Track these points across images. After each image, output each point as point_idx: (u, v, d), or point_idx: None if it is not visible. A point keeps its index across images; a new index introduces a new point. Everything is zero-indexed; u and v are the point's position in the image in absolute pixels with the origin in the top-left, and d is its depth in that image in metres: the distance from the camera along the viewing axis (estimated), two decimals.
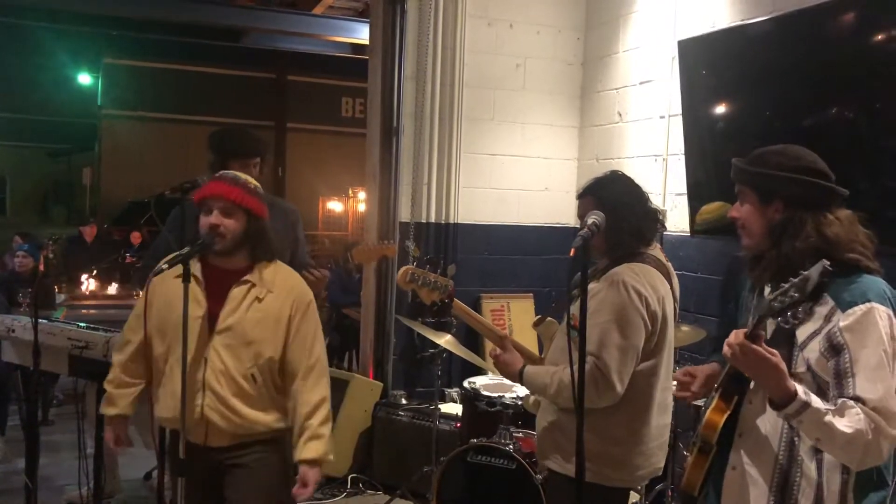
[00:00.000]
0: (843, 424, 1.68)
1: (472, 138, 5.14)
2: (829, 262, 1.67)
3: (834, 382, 1.76)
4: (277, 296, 2.51)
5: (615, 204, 2.40)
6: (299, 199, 14.54)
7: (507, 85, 5.24)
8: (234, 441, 2.51)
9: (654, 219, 2.50)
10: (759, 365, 1.72)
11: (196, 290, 2.48)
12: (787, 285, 1.68)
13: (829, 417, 1.68)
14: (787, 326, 1.75)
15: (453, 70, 4.96)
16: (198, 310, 2.47)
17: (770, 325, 1.87)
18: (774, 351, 1.72)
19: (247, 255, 2.53)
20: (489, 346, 5.04)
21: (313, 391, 2.51)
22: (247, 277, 2.50)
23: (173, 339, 2.47)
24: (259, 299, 2.48)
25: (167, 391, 2.51)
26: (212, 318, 2.47)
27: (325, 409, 2.51)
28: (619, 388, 2.32)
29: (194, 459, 2.52)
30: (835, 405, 1.71)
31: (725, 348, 1.77)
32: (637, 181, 2.57)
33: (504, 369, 2.55)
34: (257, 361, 2.47)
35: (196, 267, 2.50)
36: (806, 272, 1.66)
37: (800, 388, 1.71)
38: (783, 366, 1.72)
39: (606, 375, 2.30)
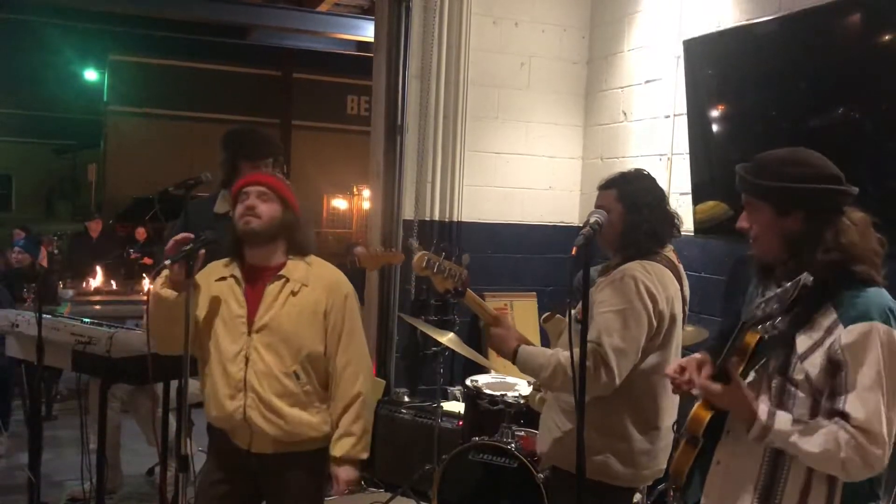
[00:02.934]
0: (810, 444, 1.73)
1: (476, 137, 5.13)
2: (810, 279, 1.70)
3: (828, 394, 1.78)
4: (313, 289, 2.46)
5: (636, 201, 2.41)
6: (304, 196, 14.38)
7: (511, 83, 5.24)
8: (278, 449, 2.45)
9: (671, 222, 2.49)
10: (724, 400, 1.84)
11: (237, 290, 2.47)
12: (770, 294, 1.71)
13: (794, 438, 1.75)
14: (766, 335, 1.79)
15: (458, 68, 4.96)
16: (239, 309, 2.45)
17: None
18: (739, 380, 1.81)
19: (283, 250, 2.49)
20: None
21: (347, 387, 2.46)
22: (281, 273, 2.46)
23: (215, 340, 2.46)
24: (294, 293, 2.44)
25: (210, 392, 2.49)
26: (251, 317, 2.44)
27: (357, 406, 2.46)
28: (616, 376, 2.29)
29: (237, 464, 2.51)
30: (803, 425, 1.76)
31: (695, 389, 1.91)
32: None
33: (498, 346, 2.49)
34: (299, 358, 2.42)
35: (235, 268, 2.50)
36: (788, 284, 1.71)
37: (763, 411, 1.78)
38: (745, 398, 1.80)
39: (606, 361, 2.27)
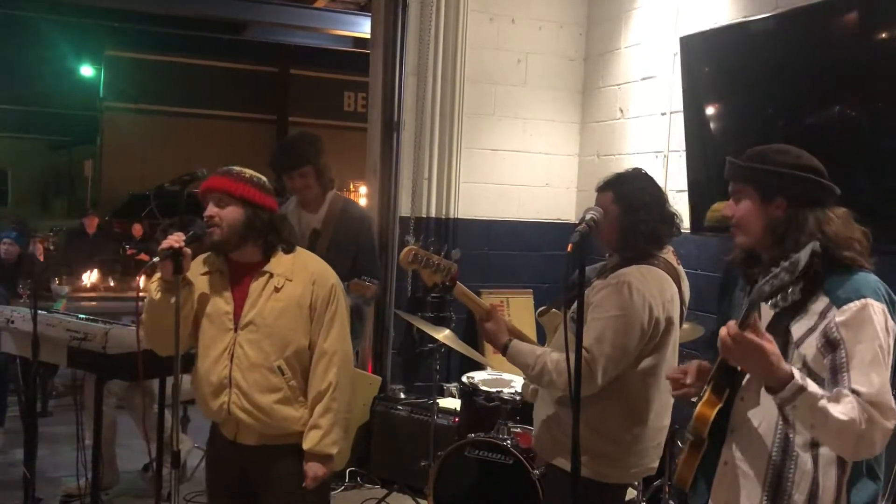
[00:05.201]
0: (838, 411, 1.68)
1: (472, 133, 5.13)
2: (819, 244, 1.68)
3: (829, 377, 1.76)
4: (297, 283, 2.44)
5: (634, 202, 2.39)
6: None
7: (508, 80, 5.24)
8: (263, 441, 2.45)
9: (670, 221, 2.47)
10: (752, 353, 1.71)
11: (224, 286, 2.46)
12: (777, 269, 1.67)
13: (823, 402, 1.69)
14: (778, 309, 1.75)
15: (454, 65, 4.96)
16: (225, 306, 2.44)
17: (766, 316, 1.87)
18: (769, 336, 1.72)
19: (258, 249, 2.46)
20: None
21: (320, 378, 2.44)
22: (264, 269, 2.45)
23: (202, 336, 2.47)
24: (277, 289, 2.42)
25: (197, 389, 2.50)
26: (236, 314, 2.43)
27: (326, 399, 2.42)
28: (599, 383, 2.33)
29: (223, 455, 2.52)
30: (830, 392, 1.72)
31: (719, 341, 1.77)
32: None
33: (491, 339, 2.51)
34: (283, 353, 2.41)
35: (222, 262, 2.49)
36: (796, 254, 1.67)
37: (796, 372, 1.71)
38: (777, 350, 1.72)
39: (592, 370, 2.30)
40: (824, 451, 1.81)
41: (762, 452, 1.88)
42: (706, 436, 1.91)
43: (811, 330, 1.80)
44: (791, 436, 1.84)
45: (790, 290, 1.68)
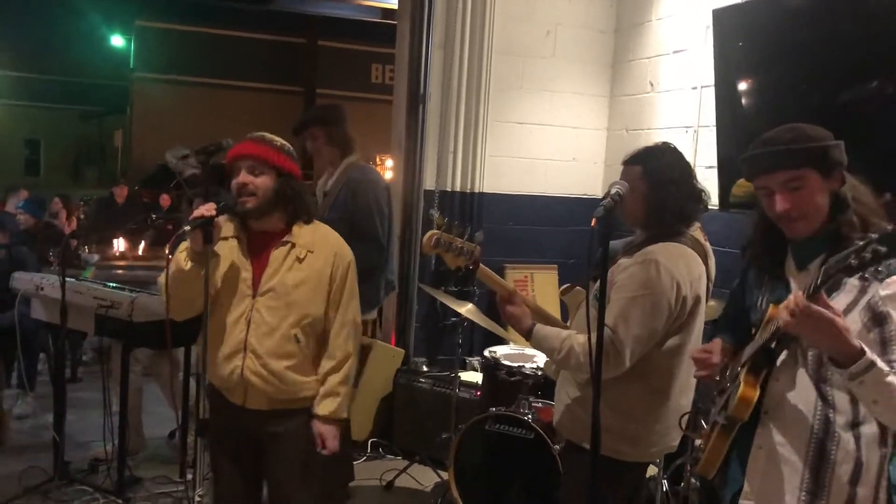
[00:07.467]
0: None
1: (499, 106, 5.07)
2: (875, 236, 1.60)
3: (879, 350, 1.72)
4: (318, 255, 2.51)
5: (662, 178, 2.33)
6: None
7: (536, 52, 5.16)
8: (273, 406, 2.50)
9: (698, 198, 2.42)
10: (824, 326, 1.64)
11: (242, 253, 2.50)
12: (862, 242, 1.55)
13: (891, 378, 1.66)
14: (865, 281, 1.62)
15: (482, 37, 4.89)
16: (244, 272, 2.48)
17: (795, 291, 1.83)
18: (837, 310, 1.67)
19: (283, 217, 2.51)
20: None
21: (340, 347, 2.53)
22: (286, 238, 2.50)
23: (218, 301, 2.49)
24: (300, 259, 2.48)
25: (215, 353, 2.52)
26: (255, 280, 2.48)
27: (346, 368, 2.53)
28: (626, 363, 2.30)
29: (230, 422, 2.55)
30: (892, 367, 1.69)
31: (783, 312, 1.69)
32: None
33: (513, 323, 2.50)
34: (300, 322, 2.47)
35: (240, 230, 2.52)
36: (885, 225, 1.66)
37: (865, 347, 1.67)
38: (847, 324, 1.67)
39: (619, 350, 2.27)
40: (865, 430, 1.79)
41: (802, 434, 1.84)
42: (747, 418, 1.88)
43: (852, 305, 1.77)
44: (832, 416, 1.81)
45: (883, 264, 1.57)
